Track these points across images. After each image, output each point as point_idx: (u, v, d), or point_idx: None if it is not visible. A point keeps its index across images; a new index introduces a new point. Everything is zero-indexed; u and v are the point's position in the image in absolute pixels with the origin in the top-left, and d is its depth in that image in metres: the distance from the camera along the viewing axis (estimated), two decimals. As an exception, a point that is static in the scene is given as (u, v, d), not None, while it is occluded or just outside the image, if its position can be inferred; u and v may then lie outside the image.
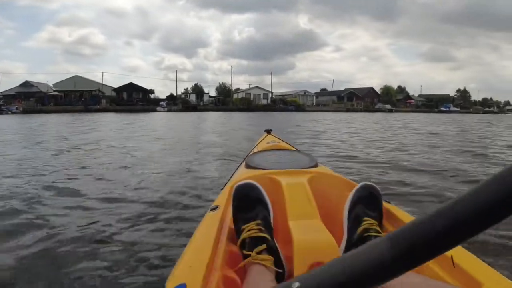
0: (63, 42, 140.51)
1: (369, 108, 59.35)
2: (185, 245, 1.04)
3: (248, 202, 1.11)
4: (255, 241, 0.99)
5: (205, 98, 57.67)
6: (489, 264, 0.84)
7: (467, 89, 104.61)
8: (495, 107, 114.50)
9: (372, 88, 72.28)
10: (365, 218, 1.08)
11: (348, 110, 53.12)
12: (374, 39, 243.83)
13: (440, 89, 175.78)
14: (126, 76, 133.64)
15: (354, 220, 1.11)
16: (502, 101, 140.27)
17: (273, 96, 60.97)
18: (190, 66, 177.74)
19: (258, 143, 2.67)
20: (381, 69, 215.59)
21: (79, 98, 45.74)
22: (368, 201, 1.14)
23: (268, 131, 2.99)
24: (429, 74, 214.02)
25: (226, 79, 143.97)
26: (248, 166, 1.71)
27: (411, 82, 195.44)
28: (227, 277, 0.89)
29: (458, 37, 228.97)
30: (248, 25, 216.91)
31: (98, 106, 41.14)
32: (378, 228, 1.06)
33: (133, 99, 48.32)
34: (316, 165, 1.67)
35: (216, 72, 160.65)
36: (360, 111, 54.29)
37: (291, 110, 48.19)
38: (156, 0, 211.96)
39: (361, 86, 75.24)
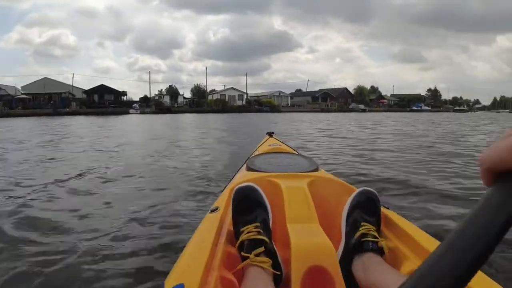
0: (33, 43, 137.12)
1: (343, 108, 60.15)
2: (184, 246, 1.05)
3: (247, 205, 1.11)
4: (253, 244, 0.99)
5: (180, 99, 57.06)
6: (488, 274, 0.81)
7: (437, 88, 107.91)
8: (465, 106, 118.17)
9: (346, 89, 73.36)
10: (363, 223, 1.09)
11: (323, 111, 53.64)
12: (347, 40, 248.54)
13: (411, 89, 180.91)
14: (98, 78, 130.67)
15: (352, 224, 1.12)
16: (472, 99, 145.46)
17: (248, 97, 60.95)
18: (164, 67, 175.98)
19: (260, 146, 2.69)
20: (354, 70, 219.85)
21: (48, 101, 44.32)
22: (367, 206, 1.15)
23: (270, 134, 3.00)
24: (400, 75, 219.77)
25: (201, 80, 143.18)
26: (249, 169, 1.70)
27: (384, 82, 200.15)
28: (225, 278, 0.90)
29: (429, 38, 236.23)
30: (223, 26, 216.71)
31: (68, 109, 39.92)
32: (375, 234, 1.06)
33: (104, 101, 47.12)
34: (316, 169, 1.67)
35: (191, 73, 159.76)
36: (335, 111, 54.90)
37: (266, 111, 48.24)
38: (129, 0, 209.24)
39: (335, 87, 76.36)
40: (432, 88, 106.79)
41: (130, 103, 48.77)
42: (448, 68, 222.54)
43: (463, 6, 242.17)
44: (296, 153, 2.28)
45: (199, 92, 65.73)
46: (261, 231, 1.03)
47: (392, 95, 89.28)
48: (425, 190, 3.53)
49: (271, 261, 0.97)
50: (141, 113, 42.04)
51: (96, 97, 48.22)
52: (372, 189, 1.21)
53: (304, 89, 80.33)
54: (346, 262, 1.03)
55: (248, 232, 1.03)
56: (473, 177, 4.18)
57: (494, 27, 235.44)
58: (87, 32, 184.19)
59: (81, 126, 15.87)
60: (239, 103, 56.00)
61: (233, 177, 1.98)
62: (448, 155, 6.11)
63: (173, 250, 2.11)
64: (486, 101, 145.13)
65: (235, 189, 1.18)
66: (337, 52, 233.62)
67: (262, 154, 2.10)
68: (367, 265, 0.97)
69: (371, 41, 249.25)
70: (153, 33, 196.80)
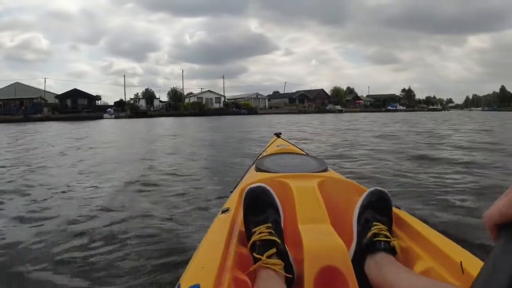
0: (5, 47, 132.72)
1: (320, 109, 60.70)
2: (196, 246, 1.07)
3: (259, 205, 1.11)
4: (265, 244, 0.99)
5: (156, 103, 56.37)
6: None
7: (411, 88, 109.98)
8: (439, 105, 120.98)
9: (322, 90, 74.11)
10: (375, 223, 1.08)
11: (300, 112, 53.98)
12: (323, 43, 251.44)
13: (386, 89, 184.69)
14: (72, 82, 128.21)
15: (364, 224, 1.11)
16: (445, 98, 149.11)
17: (226, 100, 60.79)
18: (140, 70, 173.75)
19: (268, 147, 2.70)
20: (331, 72, 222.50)
21: (19, 106, 43.07)
22: (378, 206, 1.14)
23: (278, 135, 2.99)
24: (375, 76, 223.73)
25: (178, 84, 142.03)
26: (258, 169, 1.70)
27: (359, 83, 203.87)
28: (238, 279, 0.91)
29: (402, 40, 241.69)
30: (199, 29, 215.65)
31: (39, 115, 38.80)
32: (387, 233, 1.06)
33: (78, 106, 46.05)
34: (326, 170, 1.67)
35: (167, 76, 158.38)
36: (312, 112, 55.37)
37: (244, 114, 48.17)
38: (103, 2, 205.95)
39: (312, 88, 76.95)
40: (406, 88, 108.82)
41: (104, 108, 47.76)
42: (421, 69, 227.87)
43: (435, 8, 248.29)
44: (305, 153, 2.28)
45: (175, 95, 65.19)
46: (272, 231, 1.03)
47: (368, 96, 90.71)
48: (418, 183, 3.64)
49: (283, 264, 0.97)
50: (116, 117, 41.27)
51: (69, 102, 47.11)
52: (383, 189, 1.20)
53: (281, 91, 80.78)
54: (358, 262, 1.02)
55: (260, 233, 1.02)
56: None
57: (465, 28, 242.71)
58: (60, 36, 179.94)
59: (45, 135, 15.09)
60: (216, 106, 55.70)
61: (242, 177, 1.98)
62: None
63: (184, 250, 2.18)
64: (458, 100, 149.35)
65: (246, 189, 1.17)
66: (313, 54, 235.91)
67: (270, 154, 2.10)
68: (380, 265, 0.96)
69: (346, 43, 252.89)
70: (128, 36, 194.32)
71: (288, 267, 0.98)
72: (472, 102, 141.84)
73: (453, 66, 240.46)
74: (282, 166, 1.74)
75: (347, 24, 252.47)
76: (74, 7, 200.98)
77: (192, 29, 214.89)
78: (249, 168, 2.13)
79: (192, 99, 56.96)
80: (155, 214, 2.94)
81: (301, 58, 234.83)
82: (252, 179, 1.54)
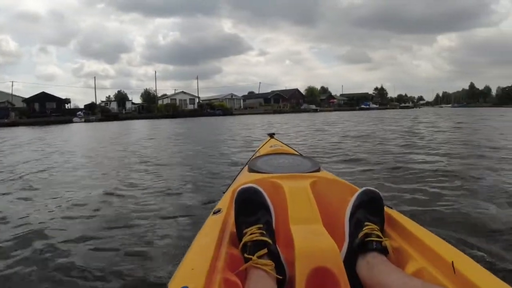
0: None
1: (296, 109, 60.89)
2: (187, 248, 1.05)
3: (250, 206, 1.11)
4: (256, 245, 0.99)
5: (128, 105, 55.03)
6: (490, 270, 0.84)
7: (384, 87, 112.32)
8: (410, 102, 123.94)
9: (297, 90, 74.46)
10: (367, 223, 1.08)
11: (275, 112, 53.94)
12: (296, 43, 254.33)
13: (359, 88, 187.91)
14: (42, 86, 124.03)
15: (356, 224, 1.10)
16: (416, 96, 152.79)
17: (200, 101, 60.04)
18: (112, 72, 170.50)
19: (261, 147, 2.66)
20: (304, 72, 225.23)
21: (-15, 112, 41.13)
22: (370, 206, 1.14)
23: (271, 135, 2.97)
24: (348, 75, 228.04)
25: (152, 85, 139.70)
26: (251, 170, 1.69)
27: (333, 82, 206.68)
28: (228, 280, 0.90)
29: (373, 39, 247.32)
30: (172, 29, 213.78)
31: (6, 120, 37.13)
32: (379, 233, 1.05)
33: (46, 110, 44.58)
34: (318, 170, 1.66)
35: (141, 78, 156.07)
36: (287, 112, 55.40)
37: (219, 115, 47.65)
38: (73, 3, 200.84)
39: (287, 88, 77.20)
40: (379, 87, 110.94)
41: (74, 111, 46.30)
42: (392, 68, 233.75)
43: (405, 9, 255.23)
44: (298, 154, 2.26)
45: (149, 97, 64.05)
46: (264, 232, 1.02)
47: (341, 95, 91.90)
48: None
49: (273, 264, 0.95)
50: (86, 121, 39.95)
51: (37, 106, 45.56)
52: (375, 189, 1.18)
53: (256, 92, 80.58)
54: (350, 262, 1.01)
55: (251, 234, 1.02)
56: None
57: (435, 28, 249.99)
58: (29, 38, 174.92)
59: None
60: (190, 107, 54.90)
61: (235, 178, 1.96)
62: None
63: (175, 252, 2.12)
64: (429, 97, 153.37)
65: (237, 190, 1.16)
66: (287, 54, 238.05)
67: (263, 155, 2.09)
68: (372, 265, 0.95)
69: (319, 43, 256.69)
70: (100, 37, 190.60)
71: (279, 268, 0.97)
72: (442, 99, 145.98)
73: (424, 65, 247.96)
74: (275, 166, 1.73)
75: (319, 24, 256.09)
76: (43, 8, 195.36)
77: (165, 30, 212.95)
78: (242, 169, 2.12)
79: (166, 101, 55.83)
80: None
81: (275, 58, 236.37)
82: (244, 179, 1.54)
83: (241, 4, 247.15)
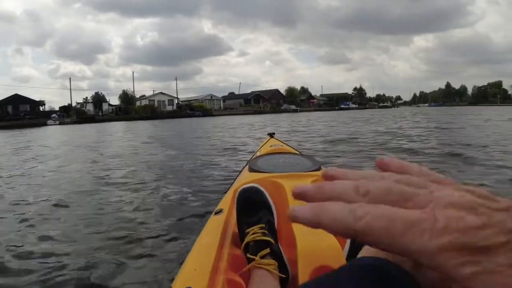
0: None
1: (276, 109, 60.68)
2: (189, 248, 1.06)
3: (252, 206, 1.11)
4: (259, 245, 0.99)
5: (105, 107, 53.74)
6: None
7: (362, 87, 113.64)
8: (389, 102, 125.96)
9: (277, 90, 74.34)
10: None
11: (256, 112, 53.58)
12: (276, 44, 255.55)
13: (339, 88, 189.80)
14: (17, 87, 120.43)
15: None
16: (394, 96, 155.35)
17: (180, 102, 59.15)
18: (89, 73, 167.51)
19: (261, 147, 2.64)
20: (285, 72, 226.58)
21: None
22: None
23: (271, 135, 2.96)
24: (328, 75, 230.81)
25: (130, 86, 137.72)
26: (252, 170, 1.68)
27: (313, 83, 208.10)
28: (231, 280, 0.90)
29: (352, 40, 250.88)
30: (151, 30, 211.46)
31: (-22, 124, 35.59)
32: None
33: (19, 112, 43.16)
34: (319, 169, 1.64)
35: (119, 79, 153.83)
36: (268, 112, 55.11)
37: (199, 116, 46.97)
38: (48, 3, 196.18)
39: (267, 89, 77.01)
40: (358, 87, 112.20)
41: (49, 114, 44.94)
42: (371, 68, 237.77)
43: (382, 10, 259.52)
44: (298, 153, 2.23)
45: (127, 98, 62.79)
46: (266, 232, 1.02)
47: (321, 95, 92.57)
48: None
49: (277, 264, 0.96)
50: (61, 123, 38.69)
51: (10, 109, 44.12)
52: None
53: (236, 92, 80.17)
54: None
55: (253, 233, 1.02)
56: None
57: (411, 29, 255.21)
58: (4, 38, 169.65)
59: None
60: (169, 108, 53.91)
61: (236, 178, 1.97)
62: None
63: (177, 253, 2.15)
64: (407, 97, 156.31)
65: (239, 190, 1.16)
66: (267, 55, 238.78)
67: (264, 155, 2.06)
68: None
69: (299, 44, 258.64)
70: (76, 37, 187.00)
71: (282, 267, 0.97)
72: (420, 99, 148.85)
73: (401, 65, 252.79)
74: (275, 166, 1.72)
75: (299, 26, 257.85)
76: (18, 8, 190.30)
77: (144, 30, 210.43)
78: (243, 168, 2.10)
79: (144, 102, 54.59)
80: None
81: (255, 59, 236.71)
82: (245, 179, 1.52)
83: (222, 4, 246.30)
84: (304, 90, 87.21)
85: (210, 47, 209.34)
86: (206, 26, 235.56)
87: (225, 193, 1.67)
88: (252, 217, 1.07)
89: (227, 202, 1.36)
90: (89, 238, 2.52)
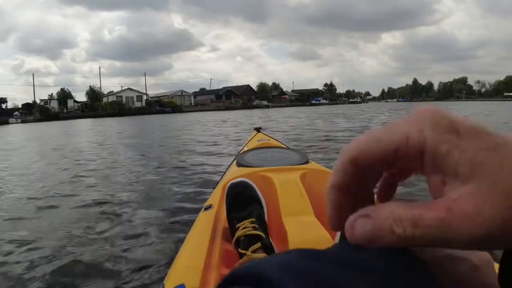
0: None
1: (247, 105, 60.30)
2: (179, 245, 1.07)
3: (242, 200, 1.11)
4: (250, 239, 0.99)
5: (70, 104, 51.72)
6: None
7: (333, 83, 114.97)
8: (358, 98, 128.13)
9: (248, 86, 73.96)
10: None
11: (227, 108, 53.07)
12: (248, 39, 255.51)
13: (309, 84, 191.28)
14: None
15: None
16: (363, 92, 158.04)
17: (149, 98, 57.72)
18: (55, 69, 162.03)
19: (248, 142, 2.65)
20: (256, 68, 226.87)
21: None
22: None
23: (258, 129, 2.94)
24: (299, 71, 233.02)
25: (98, 82, 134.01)
26: (239, 165, 1.69)
27: (284, 79, 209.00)
28: (224, 276, 0.87)
29: (322, 37, 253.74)
30: (119, 24, 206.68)
31: None
32: None
33: (-22, 111, 40.85)
34: (307, 162, 1.66)
35: (86, 74, 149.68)
36: (239, 108, 54.66)
37: (168, 112, 46.00)
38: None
39: (239, 84, 76.46)
40: (328, 83, 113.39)
41: (12, 111, 42.80)
42: (340, 64, 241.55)
43: (351, 7, 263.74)
44: (285, 147, 2.24)
45: (94, 94, 60.89)
46: (257, 226, 1.02)
47: (293, 91, 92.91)
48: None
49: None
50: (23, 122, 36.94)
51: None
52: None
53: (207, 88, 79.16)
54: None
55: (243, 228, 1.01)
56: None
57: (379, 26, 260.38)
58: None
59: None
60: (138, 104, 52.49)
61: (224, 174, 1.99)
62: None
63: (167, 249, 2.16)
64: (375, 92, 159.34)
65: (228, 185, 1.16)
66: (238, 51, 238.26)
67: (251, 149, 2.04)
68: None
69: (270, 40, 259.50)
70: (41, 31, 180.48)
71: None
72: (388, 94, 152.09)
73: (369, 62, 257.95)
74: (264, 160, 1.72)
75: (270, 22, 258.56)
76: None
77: (111, 24, 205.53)
78: (230, 164, 2.09)
79: (111, 98, 52.91)
80: None
81: (227, 55, 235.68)
82: (234, 174, 1.52)
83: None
84: (275, 86, 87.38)
85: (181, 42, 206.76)
86: (176, 21, 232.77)
87: (213, 188, 1.66)
88: (242, 212, 1.07)
89: (217, 198, 1.35)
90: (70, 237, 2.50)
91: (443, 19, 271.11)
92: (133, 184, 4.21)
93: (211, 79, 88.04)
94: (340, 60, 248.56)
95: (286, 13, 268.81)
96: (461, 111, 20.93)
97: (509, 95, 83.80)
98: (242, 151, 2.20)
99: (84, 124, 24.33)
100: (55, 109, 47.25)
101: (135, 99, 54.04)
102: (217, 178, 3.20)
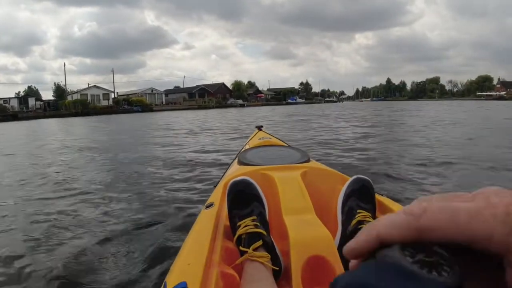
0: None
1: (222, 104, 58.43)
2: (181, 242, 1.08)
3: (243, 198, 1.11)
4: (251, 237, 1.00)
5: (31, 102, 48.36)
6: None
7: (308, 82, 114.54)
8: (334, 97, 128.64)
9: (223, 84, 72.06)
10: (359, 211, 1.10)
11: (200, 107, 51.10)
12: (222, 37, 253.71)
13: (285, 83, 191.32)
14: None
15: (348, 212, 1.12)
16: (338, 91, 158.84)
17: (117, 96, 54.77)
18: (24, 66, 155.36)
19: (250, 140, 2.64)
20: (231, 67, 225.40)
21: None
22: (361, 194, 1.15)
23: (259, 128, 2.93)
24: (274, 70, 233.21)
25: (70, 79, 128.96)
26: (241, 163, 1.69)
27: (260, 77, 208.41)
28: (225, 273, 0.91)
29: (297, 36, 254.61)
30: (89, 20, 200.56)
31: None
32: (371, 220, 1.04)
33: None
34: (308, 160, 1.66)
35: (56, 72, 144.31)
36: (213, 107, 52.69)
37: (137, 111, 43.52)
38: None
39: (213, 83, 74.42)
40: (304, 82, 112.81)
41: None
42: (315, 63, 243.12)
43: (325, 7, 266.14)
44: (287, 145, 2.24)
45: (60, 92, 57.70)
46: (258, 224, 1.03)
47: (268, 90, 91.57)
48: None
49: (269, 256, 0.96)
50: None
51: None
52: (365, 177, 1.19)
53: (181, 86, 76.62)
54: None
55: (245, 226, 1.02)
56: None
57: (353, 26, 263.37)
58: None
59: None
60: (104, 103, 49.43)
61: (225, 172, 1.99)
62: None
63: (169, 247, 2.19)
64: (350, 92, 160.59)
65: (229, 183, 1.16)
66: (213, 49, 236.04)
67: (253, 148, 2.06)
68: None
69: (245, 38, 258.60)
70: (8, 27, 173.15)
71: (275, 259, 0.99)
72: (362, 94, 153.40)
73: (343, 61, 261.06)
74: (265, 158, 1.73)
75: (245, 20, 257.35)
76: None
77: (82, 20, 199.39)
78: (232, 162, 2.09)
79: (76, 96, 49.55)
80: None
81: (201, 53, 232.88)
82: (236, 172, 1.52)
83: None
84: (251, 85, 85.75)
85: (154, 39, 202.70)
86: (149, 18, 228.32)
87: (215, 186, 1.65)
88: (243, 210, 1.06)
89: (218, 196, 1.35)
90: (72, 234, 2.53)
91: (415, 20, 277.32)
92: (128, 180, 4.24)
93: (184, 76, 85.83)
94: (315, 60, 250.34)
95: (260, 11, 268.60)
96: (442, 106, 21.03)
97: (481, 95, 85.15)
98: (243, 149, 2.18)
99: (26, 132, 21.94)
100: (15, 108, 43.88)
101: (101, 97, 50.77)
102: (218, 176, 3.07)
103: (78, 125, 20.42)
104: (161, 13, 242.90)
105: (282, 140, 2.49)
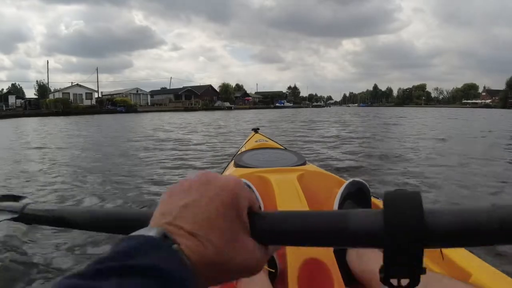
0: None
1: (209, 106, 57.70)
2: None
3: None
4: None
5: (12, 100, 46.88)
6: (477, 255, 0.88)
7: (297, 86, 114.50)
8: (322, 102, 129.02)
9: (210, 86, 71.29)
10: None
11: (186, 109, 50.28)
12: (211, 39, 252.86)
13: (273, 87, 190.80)
14: None
15: None
16: (325, 96, 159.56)
17: (101, 96, 53.49)
18: (8, 63, 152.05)
19: (246, 142, 2.63)
20: (219, 69, 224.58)
21: None
22: (357, 197, 1.16)
23: (256, 130, 2.92)
24: (262, 73, 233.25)
25: (55, 78, 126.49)
26: (237, 165, 1.69)
27: (248, 80, 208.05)
28: None
29: (285, 40, 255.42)
30: (76, 18, 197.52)
31: None
32: None
33: None
34: (304, 163, 1.68)
35: (41, 70, 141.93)
36: (199, 109, 51.92)
37: (121, 112, 42.62)
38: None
39: (201, 84, 73.60)
40: (292, 86, 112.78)
41: None
42: (303, 68, 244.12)
43: (313, 13, 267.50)
44: (283, 148, 2.25)
45: (42, 90, 56.25)
46: None
47: (256, 93, 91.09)
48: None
49: None
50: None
51: None
52: (361, 180, 1.21)
53: (168, 88, 75.55)
54: (340, 252, 1.01)
55: None
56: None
57: (340, 32, 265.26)
58: None
59: None
60: (87, 102, 48.25)
61: (221, 174, 1.57)
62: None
63: None
64: (337, 97, 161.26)
65: None
66: (201, 51, 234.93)
67: (249, 150, 2.06)
68: (361, 254, 0.96)
69: (233, 41, 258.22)
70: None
71: (270, 261, 0.98)
72: (349, 99, 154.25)
73: (330, 66, 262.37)
74: (261, 161, 1.73)
75: (233, 23, 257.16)
76: None
77: (68, 18, 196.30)
78: (228, 164, 2.11)
79: (57, 95, 48.19)
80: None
81: (189, 54, 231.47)
82: (232, 175, 1.48)
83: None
84: (239, 87, 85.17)
85: (141, 39, 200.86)
86: (137, 17, 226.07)
87: None
88: None
89: None
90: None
91: (402, 27, 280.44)
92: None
93: (171, 78, 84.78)
94: (302, 64, 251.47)
95: (249, 14, 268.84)
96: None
97: (467, 102, 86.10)
98: (240, 152, 2.18)
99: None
100: (-7, 106, 42.47)
101: (84, 96, 49.53)
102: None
103: (41, 125, 19.26)
104: (150, 13, 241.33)
105: (278, 143, 2.49)
